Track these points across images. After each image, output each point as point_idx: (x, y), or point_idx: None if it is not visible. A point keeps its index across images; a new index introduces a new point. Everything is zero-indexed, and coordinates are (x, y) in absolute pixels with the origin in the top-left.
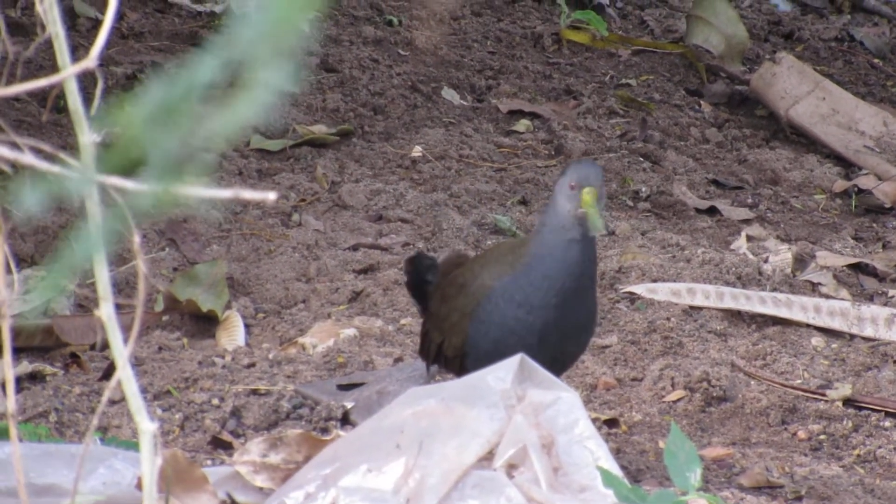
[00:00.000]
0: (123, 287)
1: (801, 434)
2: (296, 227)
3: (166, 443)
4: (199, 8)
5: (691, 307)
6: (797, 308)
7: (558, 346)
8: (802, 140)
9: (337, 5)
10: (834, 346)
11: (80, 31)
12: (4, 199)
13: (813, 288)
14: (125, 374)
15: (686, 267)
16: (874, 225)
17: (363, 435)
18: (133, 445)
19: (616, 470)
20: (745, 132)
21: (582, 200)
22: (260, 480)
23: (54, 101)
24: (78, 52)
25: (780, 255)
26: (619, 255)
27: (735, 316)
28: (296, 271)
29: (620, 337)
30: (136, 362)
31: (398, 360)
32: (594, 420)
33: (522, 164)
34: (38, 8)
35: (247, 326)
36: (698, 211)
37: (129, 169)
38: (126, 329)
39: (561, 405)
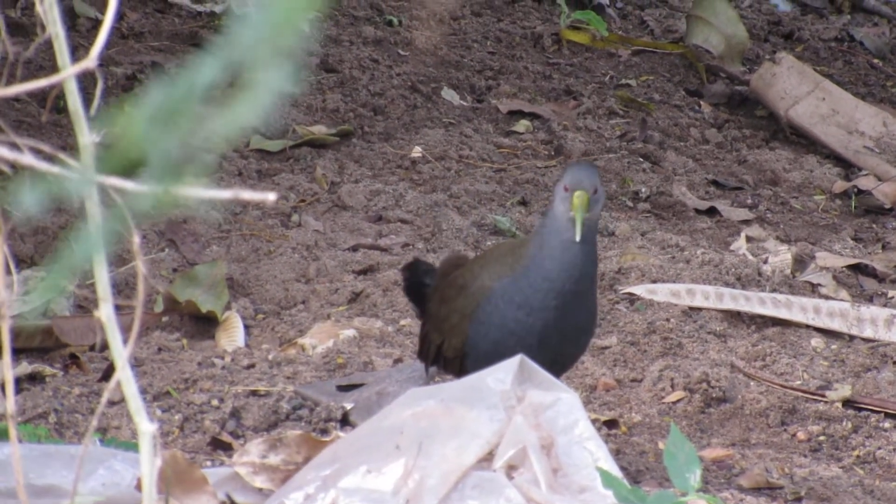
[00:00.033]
0: (123, 288)
1: (801, 435)
2: (295, 227)
3: (166, 444)
4: (199, 8)
5: (691, 308)
6: (797, 309)
7: (558, 348)
8: (802, 140)
9: (337, 5)
10: (833, 346)
11: (80, 32)
12: (4, 199)
13: (812, 289)
14: (125, 375)
15: (686, 268)
16: (874, 226)
17: (363, 436)
18: (132, 446)
19: (616, 471)
20: (744, 133)
21: (571, 204)
22: (259, 481)
23: (54, 101)
24: (78, 52)
25: (780, 256)
26: (619, 255)
27: (734, 317)
28: (295, 272)
29: (620, 338)
30: (136, 363)
31: (398, 360)
32: (594, 421)
33: (522, 164)
34: (38, 8)
35: (246, 327)
36: (698, 211)
37: (129, 170)
38: (125, 330)
39: (561, 406)
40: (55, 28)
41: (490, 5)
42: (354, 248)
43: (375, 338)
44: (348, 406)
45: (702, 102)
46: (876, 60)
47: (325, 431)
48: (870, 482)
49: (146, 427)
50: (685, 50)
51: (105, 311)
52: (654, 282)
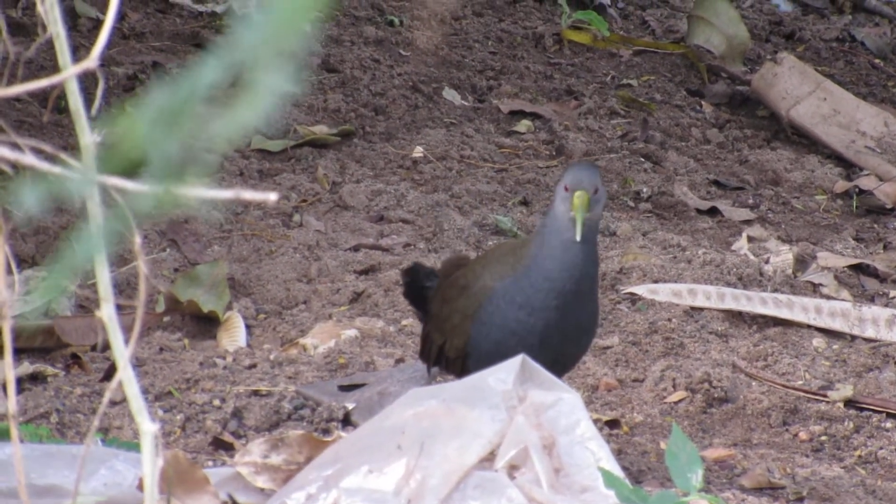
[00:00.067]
0: (124, 288)
1: (803, 435)
2: (297, 227)
3: (167, 444)
4: (201, 8)
5: (692, 308)
6: (798, 309)
7: (559, 348)
8: (803, 140)
9: (338, 6)
10: (835, 346)
11: (82, 32)
12: (5, 199)
13: (814, 289)
14: (126, 375)
15: (687, 268)
16: (875, 226)
17: (364, 436)
18: (134, 446)
19: (617, 471)
20: (746, 133)
21: (571, 204)
22: (261, 481)
23: (55, 101)
24: (79, 52)
25: (781, 256)
26: (620, 255)
27: (736, 317)
28: (297, 272)
29: (622, 338)
30: (138, 363)
31: (399, 360)
32: (595, 421)
33: (523, 164)
34: (40, 8)
35: (248, 327)
36: (699, 211)
37: (131, 170)
38: (127, 330)
39: (562, 406)
40: (56, 28)
41: (491, 5)
42: (356, 248)
43: (377, 338)
44: (350, 406)
45: (703, 102)
46: (877, 60)
47: (326, 431)
48: (872, 482)
49: (148, 427)
50: (686, 50)
51: (107, 311)
52: (656, 282)
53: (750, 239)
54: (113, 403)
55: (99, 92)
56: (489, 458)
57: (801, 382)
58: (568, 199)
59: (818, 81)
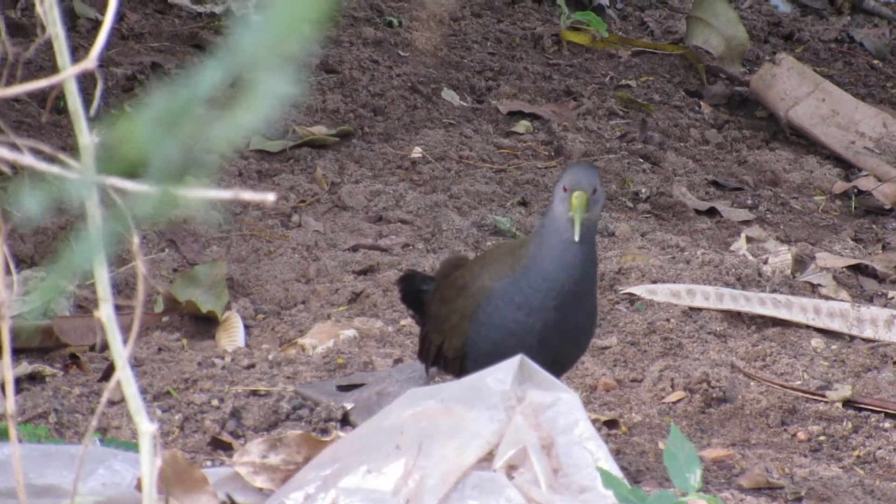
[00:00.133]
0: (123, 288)
1: (801, 435)
2: (295, 228)
3: (166, 444)
4: (200, 9)
5: (691, 308)
6: (797, 309)
7: (558, 348)
8: (802, 141)
9: (337, 7)
10: (833, 347)
11: (80, 32)
12: (4, 199)
13: (813, 289)
14: (125, 375)
15: (686, 268)
16: (874, 226)
17: (363, 436)
18: (133, 446)
19: (616, 471)
20: (744, 133)
21: (570, 204)
22: (260, 481)
23: (54, 101)
24: (78, 52)
25: (780, 257)
26: (619, 256)
27: (735, 317)
28: (295, 272)
29: (620, 338)
30: (136, 363)
31: (398, 361)
32: (594, 421)
33: (522, 165)
34: (39, 9)
35: (246, 327)
36: (698, 212)
37: (131, 172)
38: (125, 330)
39: (561, 406)
40: (55, 29)
41: (490, 6)
42: (354, 249)
43: (375, 338)
44: (348, 406)
45: (702, 103)
46: (876, 61)
47: (325, 431)
48: (870, 482)
49: (146, 427)
50: (685, 51)
51: (105, 312)
52: (655, 282)
53: (749, 239)
54: (111, 403)
55: (98, 92)
56: (487, 459)
57: (799, 382)
58: (566, 200)
59: (817, 82)
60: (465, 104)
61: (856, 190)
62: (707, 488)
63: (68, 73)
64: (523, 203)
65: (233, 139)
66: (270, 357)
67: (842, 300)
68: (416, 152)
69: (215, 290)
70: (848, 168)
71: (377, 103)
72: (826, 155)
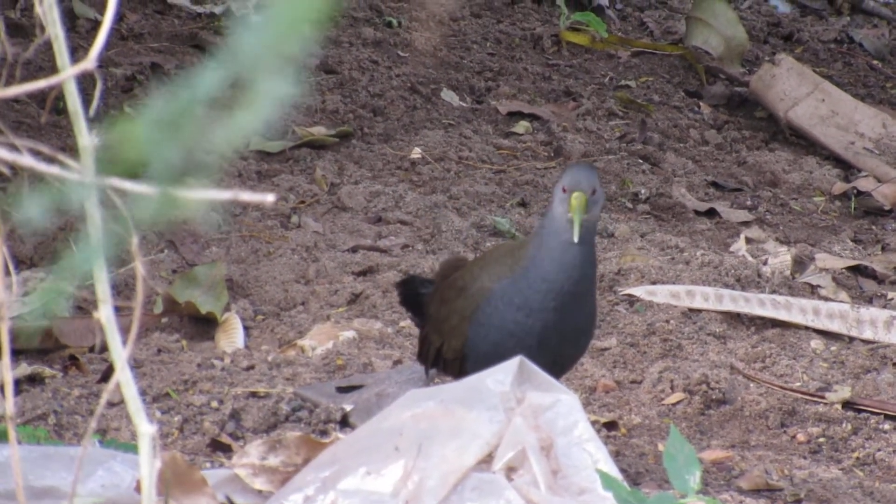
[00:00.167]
0: (122, 289)
1: (801, 437)
2: (295, 228)
3: (165, 445)
4: (199, 9)
5: (690, 309)
6: (796, 310)
7: (558, 349)
8: (802, 142)
9: (337, 7)
10: (833, 348)
11: (80, 33)
12: (4, 200)
13: (812, 290)
14: (124, 377)
15: (685, 269)
16: (873, 227)
17: (362, 437)
18: (132, 448)
19: (615, 472)
20: (744, 134)
21: (569, 205)
22: (259, 483)
23: (53, 102)
24: (77, 53)
25: (780, 258)
26: (619, 257)
27: (734, 318)
28: (295, 273)
29: (619, 339)
30: (135, 364)
31: (397, 362)
32: (593, 422)
33: (522, 165)
34: (38, 9)
35: (246, 328)
36: (697, 213)
37: (131, 175)
38: (125, 331)
39: (560, 408)
40: (55, 29)
41: (490, 7)
42: (354, 250)
43: (375, 339)
44: (348, 407)
45: (701, 104)
46: (875, 62)
47: (324, 433)
48: (869, 484)
49: (145, 428)
50: (685, 51)
51: (104, 313)
52: (654, 283)
53: (748, 240)
54: (111, 405)
55: (97, 93)
56: (487, 460)
57: (799, 384)
58: (566, 201)
59: (816, 83)
60: (464, 105)
61: (855, 191)
62: (706, 490)
63: (68, 73)
64: (523, 204)
65: (233, 141)
66: (270, 358)
67: (841, 301)
68: (416, 153)
69: (215, 292)
70: (847, 169)
71: (377, 104)
72: (825, 156)
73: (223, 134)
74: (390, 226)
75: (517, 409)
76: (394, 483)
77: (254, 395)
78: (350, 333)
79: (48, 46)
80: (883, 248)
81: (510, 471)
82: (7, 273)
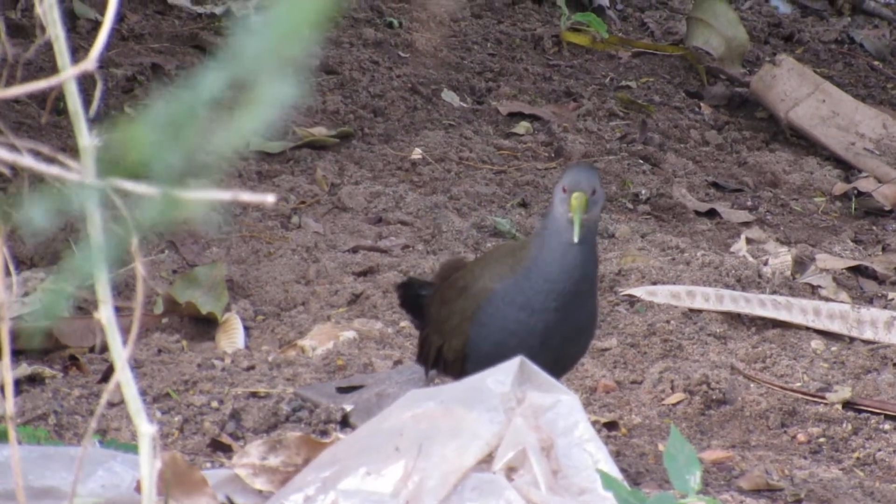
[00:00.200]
0: (123, 289)
1: (801, 437)
2: (295, 229)
3: (165, 445)
4: (200, 10)
5: (691, 310)
6: (797, 311)
7: (560, 348)
8: (802, 142)
9: (337, 8)
10: (833, 348)
11: (80, 33)
12: (4, 201)
13: (812, 290)
14: (124, 377)
15: (686, 269)
16: (874, 227)
17: (362, 437)
18: (132, 448)
19: (615, 473)
20: (744, 134)
21: (569, 205)
22: (259, 483)
23: (54, 102)
24: (78, 53)
25: (780, 258)
26: (619, 257)
27: (735, 319)
28: (295, 274)
29: (620, 339)
30: (136, 365)
31: (398, 362)
32: (594, 423)
33: (522, 166)
34: (39, 9)
35: (246, 329)
36: (698, 213)
37: (132, 175)
38: (125, 331)
39: (560, 408)
40: (55, 29)
41: (490, 7)
42: (354, 250)
43: (375, 339)
44: (348, 408)
45: (702, 104)
46: (876, 62)
47: (324, 433)
48: (870, 484)
49: (146, 429)
50: (685, 52)
51: (105, 313)
52: (654, 283)
53: (749, 241)
54: (111, 405)
55: (97, 93)
56: (487, 460)
57: (799, 384)
58: (566, 201)
59: (817, 83)
60: (465, 105)
61: (856, 191)
62: (707, 490)
63: (68, 74)
64: (523, 204)
65: (234, 141)
66: (270, 359)
67: (842, 302)
68: (416, 153)
69: (215, 292)
70: (848, 169)
71: (377, 104)
72: (826, 156)
73: (224, 135)
74: (391, 226)
75: (517, 410)
76: (394, 483)
77: (254, 395)
78: (350, 334)
79: (49, 47)
80: (883, 249)
81: (510, 471)
82: (7, 273)
